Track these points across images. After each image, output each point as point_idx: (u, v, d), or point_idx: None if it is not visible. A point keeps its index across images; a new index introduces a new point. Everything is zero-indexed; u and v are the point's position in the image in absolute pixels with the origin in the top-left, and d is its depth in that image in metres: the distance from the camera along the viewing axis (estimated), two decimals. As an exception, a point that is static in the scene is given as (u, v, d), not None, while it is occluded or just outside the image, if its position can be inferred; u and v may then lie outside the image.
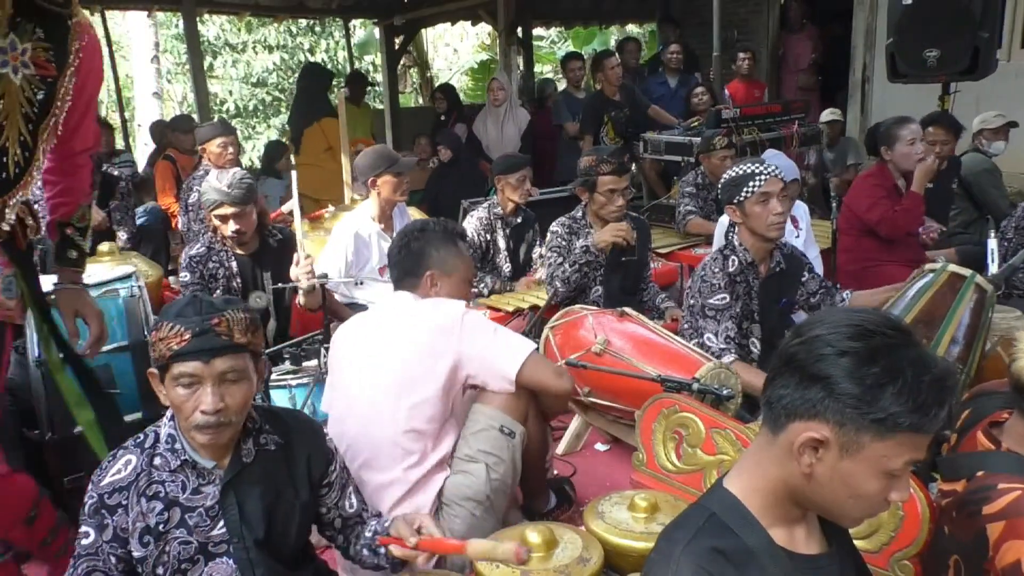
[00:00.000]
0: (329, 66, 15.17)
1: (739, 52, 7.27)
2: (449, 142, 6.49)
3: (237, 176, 3.24)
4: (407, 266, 2.30)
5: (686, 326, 3.10)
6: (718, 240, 3.83)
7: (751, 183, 2.86)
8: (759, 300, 3.02)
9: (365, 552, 1.85)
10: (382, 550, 1.81)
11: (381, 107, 10.82)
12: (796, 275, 3.17)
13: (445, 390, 2.13)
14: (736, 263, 2.95)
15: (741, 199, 2.88)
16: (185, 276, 3.37)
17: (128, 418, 2.66)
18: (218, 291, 3.31)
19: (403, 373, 2.13)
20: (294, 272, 3.13)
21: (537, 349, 2.27)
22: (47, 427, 2.60)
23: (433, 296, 2.25)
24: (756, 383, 2.66)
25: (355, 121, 8.39)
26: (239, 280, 3.36)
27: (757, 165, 2.92)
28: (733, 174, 2.95)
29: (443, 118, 7.63)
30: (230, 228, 3.24)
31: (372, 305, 3.88)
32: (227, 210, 3.22)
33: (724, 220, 3.47)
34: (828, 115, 6.67)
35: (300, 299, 3.16)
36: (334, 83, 15.21)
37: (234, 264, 3.36)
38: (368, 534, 1.85)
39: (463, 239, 2.42)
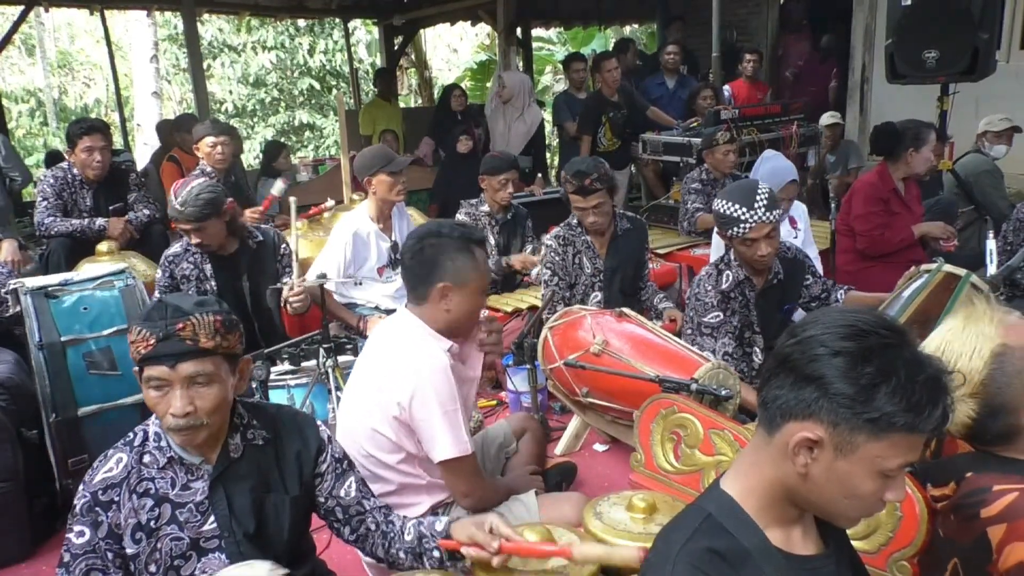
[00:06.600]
0: (328, 67, 15.21)
1: (745, 53, 7.25)
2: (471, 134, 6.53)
3: (194, 192, 3.17)
4: (420, 274, 2.10)
5: (688, 331, 3.10)
6: (715, 250, 3.83)
7: (738, 227, 2.82)
8: (758, 311, 3.02)
9: (402, 555, 1.78)
10: (436, 553, 1.74)
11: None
12: (798, 280, 3.16)
13: (395, 428, 2.06)
14: (730, 279, 2.95)
15: (731, 235, 2.87)
16: (158, 274, 3.38)
17: (130, 400, 2.70)
18: (191, 292, 3.31)
19: (368, 396, 2.11)
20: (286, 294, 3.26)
21: (473, 454, 2.11)
22: (51, 409, 2.63)
23: (443, 310, 2.08)
24: (755, 401, 2.65)
25: (387, 115, 8.54)
26: (214, 283, 3.34)
27: (744, 210, 2.80)
28: (726, 209, 2.85)
29: (460, 117, 7.46)
30: (193, 241, 3.28)
31: (371, 305, 3.90)
32: (184, 226, 3.23)
33: None
34: (828, 118, 6.58)
35: (289, 308, 3.27)
36: (333, 84, 15.28)
37: (208, 267, 3.35)
38: (408, 537, 1.78)
39: (481, 245, 2.15)
